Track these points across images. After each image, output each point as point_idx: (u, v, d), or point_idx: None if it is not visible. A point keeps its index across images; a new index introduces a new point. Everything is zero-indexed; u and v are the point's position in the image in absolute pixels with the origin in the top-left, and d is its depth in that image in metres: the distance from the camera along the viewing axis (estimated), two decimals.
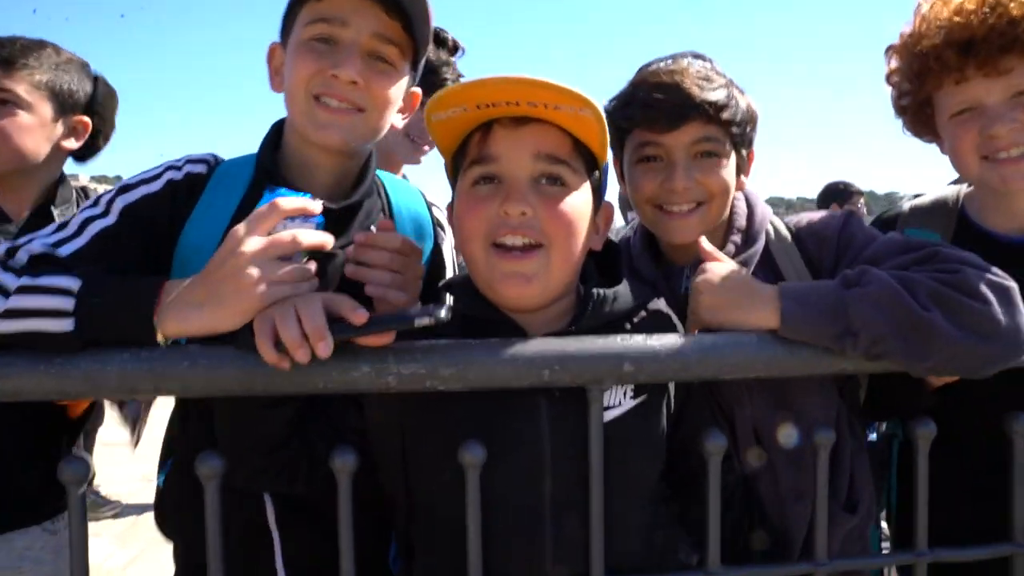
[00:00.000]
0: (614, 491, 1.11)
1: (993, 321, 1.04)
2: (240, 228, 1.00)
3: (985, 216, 1.46)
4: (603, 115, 1.09)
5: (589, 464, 1.09)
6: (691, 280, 1.22)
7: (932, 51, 1.32)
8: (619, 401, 1.15)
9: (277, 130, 1.35)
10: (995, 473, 1.23)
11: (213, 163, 1.31)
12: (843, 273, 1.16)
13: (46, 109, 1.79)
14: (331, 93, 1.23)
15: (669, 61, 1.38)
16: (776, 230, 1.45)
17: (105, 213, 1.18)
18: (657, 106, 1.30)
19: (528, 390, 1.09)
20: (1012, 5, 1.25)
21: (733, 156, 1.37)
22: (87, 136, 1.91)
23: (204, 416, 1.23)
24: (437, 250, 1.48)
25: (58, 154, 1.86)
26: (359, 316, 0.94)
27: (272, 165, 1.29)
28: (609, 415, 1.13)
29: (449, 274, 1.50)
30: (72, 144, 1.88)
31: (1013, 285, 1.08)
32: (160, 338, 1.00)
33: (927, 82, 1.37)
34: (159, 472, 1.41)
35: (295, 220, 1.03)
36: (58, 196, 1.85)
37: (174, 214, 1.24)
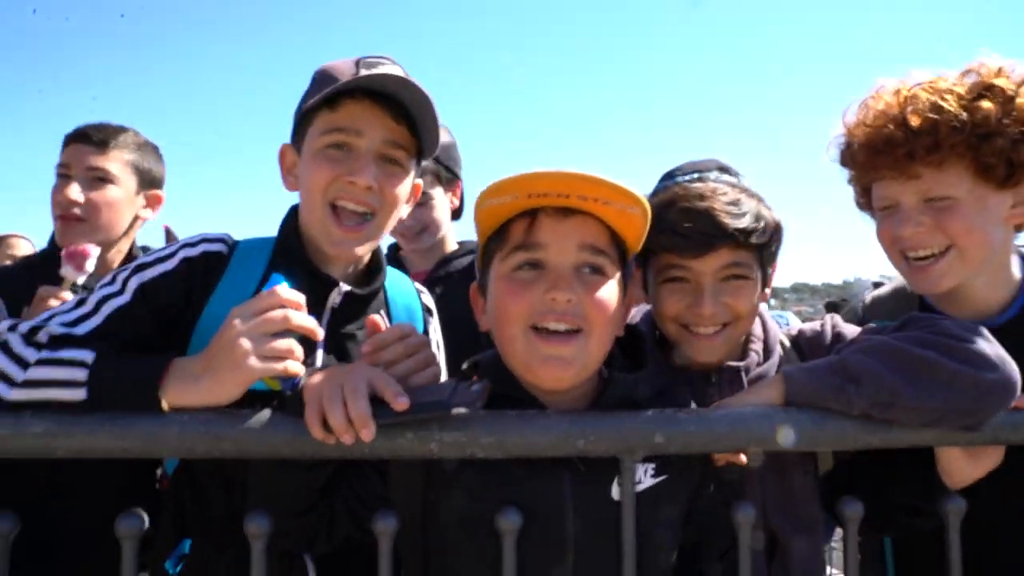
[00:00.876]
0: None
1: (983, 353, 1.12)
2: (237, 308, 1.10)
3: (938, 302, 1.47)
4: (650, 212, 1.15)
5: (620, 534, 1.12)
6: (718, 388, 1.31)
7: (850, 149, 1.39)
8: (640, 479, 1.18)
9: (295, 215, 1.43)
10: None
11: (231, 243, 1.40)
12: (835, 349, 1.24)
13: (131, 184, 2.04)
14: (348, 198, 1.33)
15: (695, 176, 1.40)
16: (781, 342, 1.50)
17: (121, 292, 1.26)
18: (686, 234, 1.31)
19: (552, 466, 1.14)
20: (915, 118, 1.28)
21: (759, 274, 1.39)
22: (160, 208, 2.14)
23: (225, 488, 1.30)
24: (425, 333, 1.56)
25: (135, 224, 2.09)
26: (401, 404, 1.00)
27: (300, 250, 1.38)
28: None
29: (437, 354, 1.55)
30: (148, 215, 2.12)
31: (982, 328, 1.18)
32: (165, 406, 1.08)
33: (855, 174, 1.44)
34: (168, 559, 1.37)
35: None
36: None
37: (190, 289, 1.32)
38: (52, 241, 2.03)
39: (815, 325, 1.51)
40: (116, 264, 2.03)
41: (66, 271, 1.81)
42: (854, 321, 1.58)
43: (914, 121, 1.27)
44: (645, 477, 1.19)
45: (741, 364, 1.42)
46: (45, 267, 1.91)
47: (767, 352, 1.46)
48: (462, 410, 1.01)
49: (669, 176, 1.46)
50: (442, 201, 2.28)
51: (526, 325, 1.14)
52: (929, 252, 1.32)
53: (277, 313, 1.08)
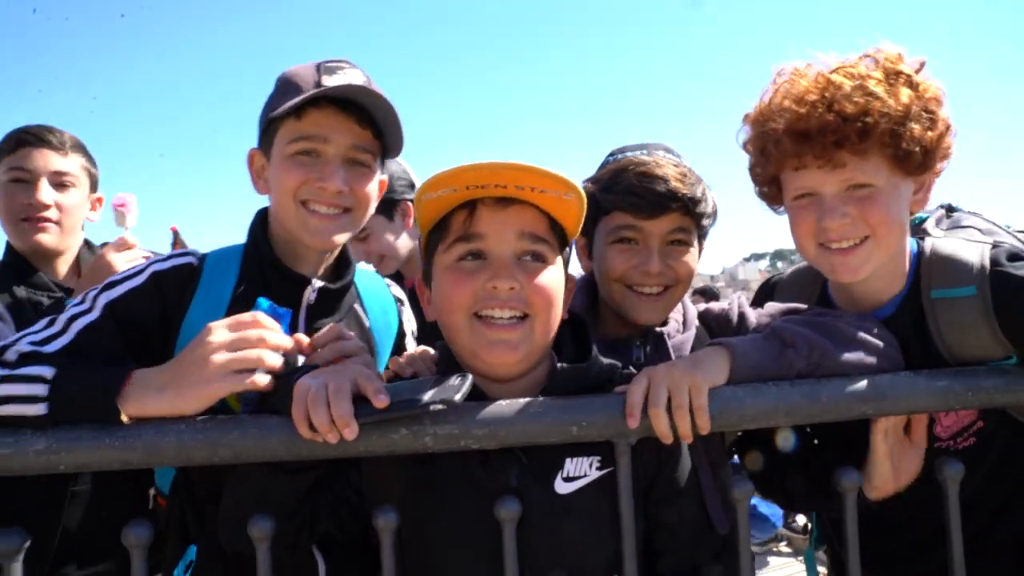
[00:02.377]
0: (574, 560, 1.16)
1: (866, 322, 1.32)
2: (215, 324, 1.13)
3: (835, 295, 1.51)
4: (585, 199, 1.17)
5: (560, 533, 1.16)
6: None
7: (773, 135, 1.33)
8: (584, 472, 1.19)
9: (263, 219, 1.46)
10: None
11: (200, 256, 1.43)
12: (744, 328, 1.43)
13: (85, 187, 2.07)
14: (320, 201, 1.37)
15: (644, 152, 1.51)
16: (697, 328, 1.59)
17: (89, 310, 1.27)
18: (643, 194, 1.43)
19: (501, 458, 1.17)
20: (847, 103, 1.25)
21: (696, 246, 1.52)
22: (100, 209, 2.17)
23: (218, 500, 1.28)
24: (400, 322, 1.64)
25: (83, 225, 2.11)
26: (380, 402, 1.03)
27: (270, 253, 1.41)
28: (573, 485, 1.18)
29: (409, 339, 1.65)
30: (93, 216, 2.14)
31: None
32: (124, 418, 1.10)
33: (771, 162, 1.38)
34: (175, 567, 1.40)
35: (273, 310, 1.20)
36: (87, 257, 2.12)
37: (166, 303, 1.33)
38: (9, 250, 2.01)
39: (723, 304, 1.62)
40: (66, 268, 2.06)
41: (121, 219, 2.01)
42: (768, 289, 1.72)
43: (847, 107, 1.25)
44: (590, 470, 1.19)
45: (664, 329, 1.52)
46: (8, 273, 1.93)
47: (687, 325, 1.56)
48: (439, 406, 1.03)
49: (619, 151, 1.55)
50: (384, 227, 2.33)
51: (470, 313, 1.16)
52: (850, 243, 1.33)
53: (252, 353, 1.11)
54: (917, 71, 1.31)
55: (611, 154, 1.57)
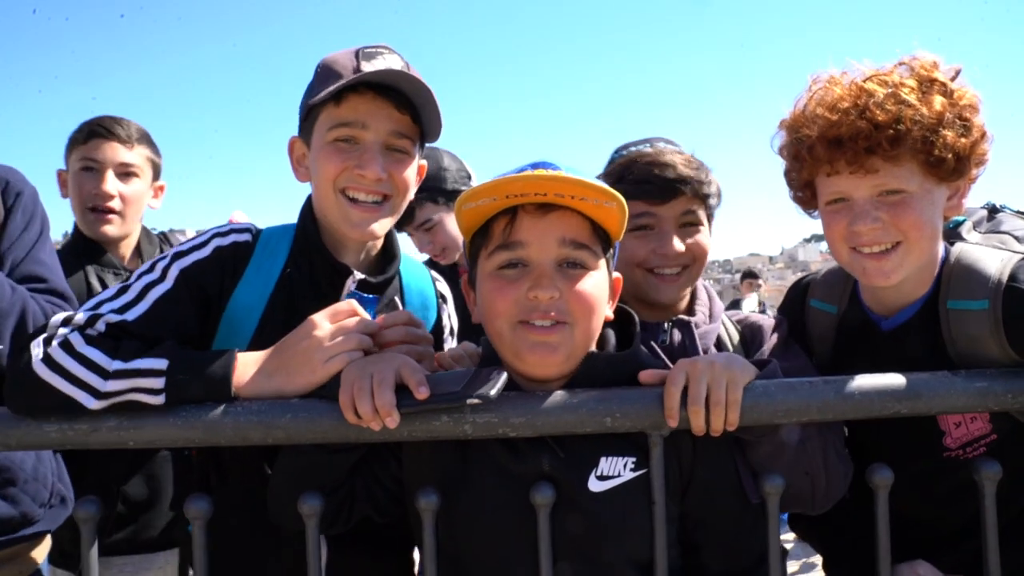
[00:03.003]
0: (594, 555, 1.19)
1: None
2: (316, 317, 1.22)
3: (865, 296, 1.52)
4: (626, 204, 1.18)
5: (586, 528, 1.18)
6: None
7: (806, 140, 1.35)
8: (619, 472, 1.20)
9: (311, 204, 1.49)
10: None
11: (255, 232, 1.48)
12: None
13: (148, 177, 2.22)
14: (358, 188, 1.40)
15: (648, 145, 1.60)
16: (725, 325, 1.64)
17: (162, 279, 1.33)
18: (656, 181, 1.51)
19: (533, 449, 1.20)
20: (878, 111, 1.26)
21: (706, 226, 1.60)
22: (163, 196, 2.33)
23: (247, 471, 1.39)
24: (439, 318, 1.66)
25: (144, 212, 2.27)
26: (421, 394, 1.10)
27: (317, 240, 1.45)
28: (607, 484, 1.19)
29: (448, 336, 1.68)
30: (155, 204, 2.29)
31: None
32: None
33: (804, 167, 1.40)
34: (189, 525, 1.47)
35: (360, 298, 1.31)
36: (145, 243, 2.28)
37: (223, 276, 1.39)
38: (78, 232, 2.16)
39: (762, 319, 1.67)
40: (129, 252, 2.21)
41: None
42: (801, 289, 1.70)
43: (879, 115, 1.26)
44: (624, 471, 1.20)
45: (692, 319, 1.58)
46: (78, 253, 2.09)
47: (713, 318, 1.63)
48: (475, 400, 1.09)
49: (623, 148, 1.63)
50: (449, 217, 2.40)
51: (513, 321, 1.18)
52: (882, 248, 1.34)
53: (348, 321, 1.22)
54: (952, 79, 1.32)
55: (616, 151, 1.65)
